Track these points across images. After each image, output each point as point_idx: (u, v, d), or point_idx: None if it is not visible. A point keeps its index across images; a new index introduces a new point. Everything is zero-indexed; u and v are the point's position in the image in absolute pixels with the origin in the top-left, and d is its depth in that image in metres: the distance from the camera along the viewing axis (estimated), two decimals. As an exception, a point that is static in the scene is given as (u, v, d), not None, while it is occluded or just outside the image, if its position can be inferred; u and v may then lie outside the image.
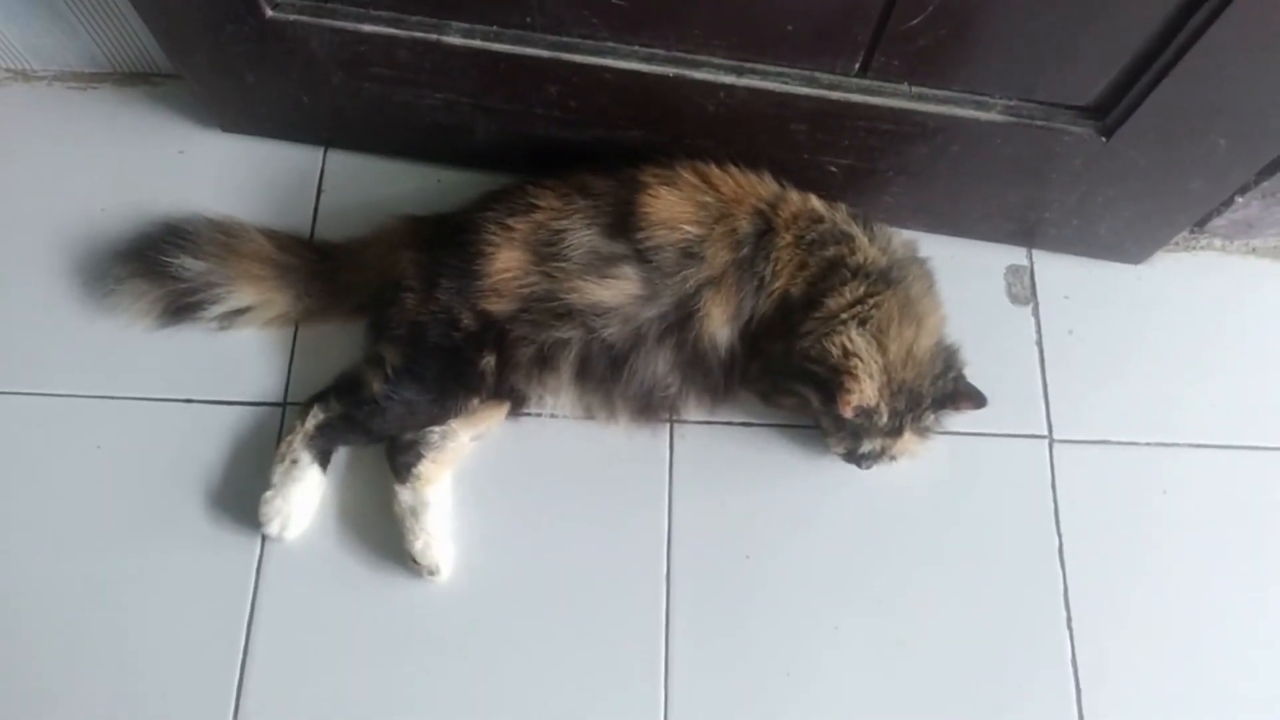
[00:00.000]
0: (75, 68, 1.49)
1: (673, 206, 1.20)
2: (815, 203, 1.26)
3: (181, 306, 1.29)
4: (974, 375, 1.25)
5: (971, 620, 1.25)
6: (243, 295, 1.29)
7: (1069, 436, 1.35)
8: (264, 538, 1.24)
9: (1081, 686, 1.23)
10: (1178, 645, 1.26)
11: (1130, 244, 1.41)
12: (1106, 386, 1.38)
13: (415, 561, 1.20)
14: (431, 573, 1.21)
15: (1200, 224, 1.40)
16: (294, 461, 1.22)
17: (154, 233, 1.30)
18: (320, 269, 1.31)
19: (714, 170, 1.24)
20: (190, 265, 1.26)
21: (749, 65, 1.17)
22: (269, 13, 1.18)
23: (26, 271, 1.37)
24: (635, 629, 1.23)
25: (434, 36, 1.18)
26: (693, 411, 1.31)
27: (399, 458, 1.23)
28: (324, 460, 1.25)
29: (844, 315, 1.19)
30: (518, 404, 1.29)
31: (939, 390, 1.22)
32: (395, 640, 1.21)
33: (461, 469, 1.27)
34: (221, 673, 1.19)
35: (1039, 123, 1.18)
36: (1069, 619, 1.26)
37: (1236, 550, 1.31)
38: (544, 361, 1.22)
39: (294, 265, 1.30)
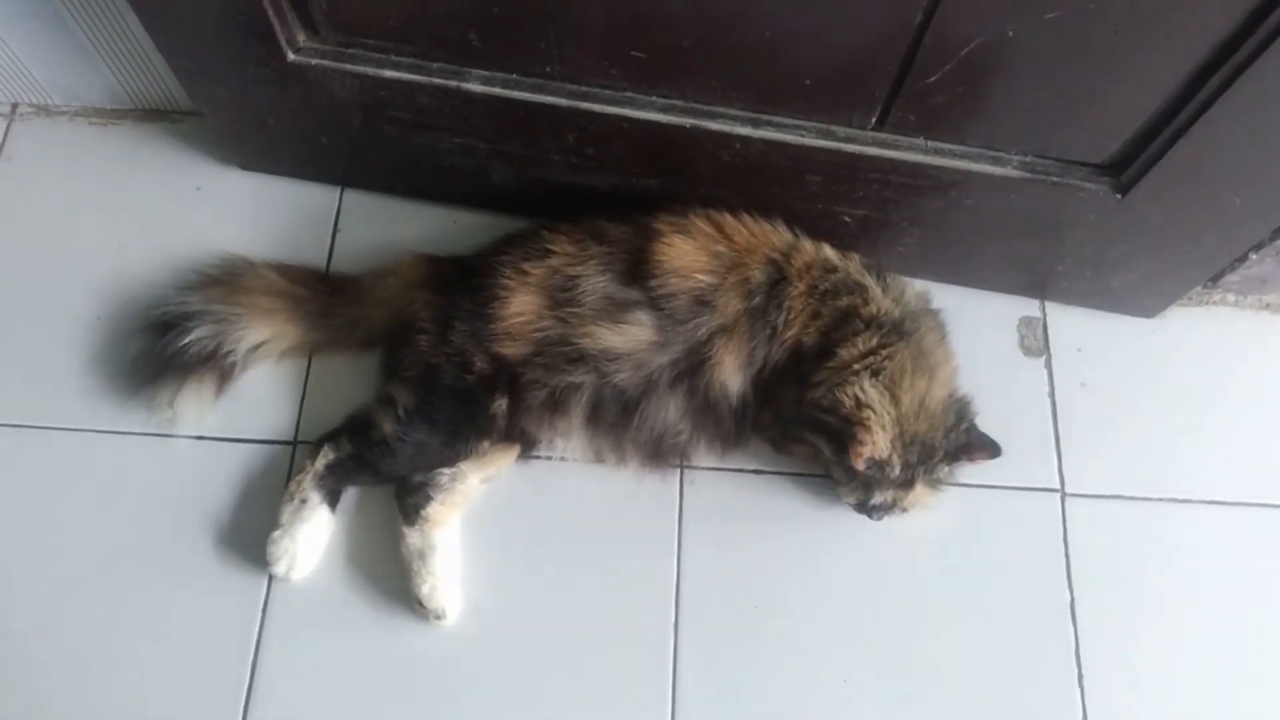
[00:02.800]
0: (97, 104, 1.50)
1: (686, 254, 1.21)
2: (829, 252, 1.26)
3: (217, 368, 1.28)
4: (986, 427, 1.25)
5: (981, 675, 1.24)
6: (257, 331, 1.29)
7: (1081, 491, 1.34)
8: (271, 577, 1.23)
9: (1093, 746, 1.22)
10: (1190, 703, 1.24)
11: (1144, 298, 1.41)
12: (1119, 440, 1.37)
13: (422, 605, 1.20)
14: (438, 617, 1.20)
15: (1214, 279, 1.40)
16: (303, 501, 1.22)
17: (155, 323, 1.28)
18: (331, 301, 1.31)
19: (728, 219, 1.25)
20: (202, 332, 1.26)
21: (765, 117, 1.18)
22: (291, 56, 1.19)
23: (39, 305, 1.37)
24: (642, 676, 1.22)
25: (455, 83, 1.19)
26: (703, 458, 1.30)
27: (408, 499, 1.23)
28: (333, 500, 1.25)
29: (857, 366, 1.19)
30: (528, 447, 1.28)
31: (951, 442, 1.22)
32: (400, 684, 1.20)
33: (470, 512, 1.27)
34: (225, 713, 1.18)
35: (1054, 179, 1.18)
36: (1080, 676, 1.24)
37: (1249, 608, 1.29)
38: (555, 405, 1.22)
39: (305, 296, 1.31)
